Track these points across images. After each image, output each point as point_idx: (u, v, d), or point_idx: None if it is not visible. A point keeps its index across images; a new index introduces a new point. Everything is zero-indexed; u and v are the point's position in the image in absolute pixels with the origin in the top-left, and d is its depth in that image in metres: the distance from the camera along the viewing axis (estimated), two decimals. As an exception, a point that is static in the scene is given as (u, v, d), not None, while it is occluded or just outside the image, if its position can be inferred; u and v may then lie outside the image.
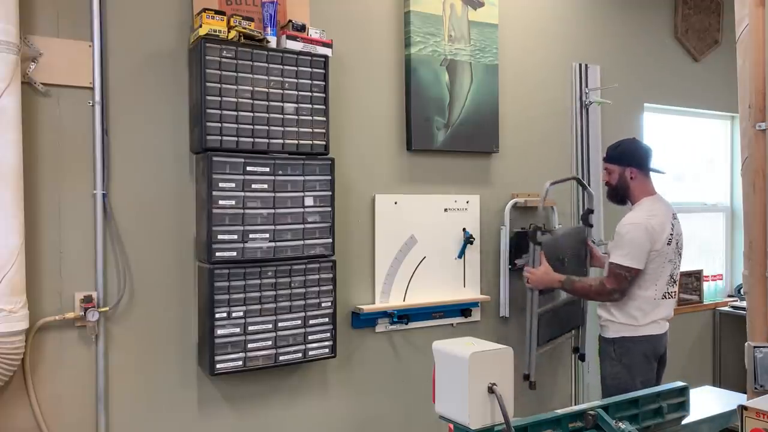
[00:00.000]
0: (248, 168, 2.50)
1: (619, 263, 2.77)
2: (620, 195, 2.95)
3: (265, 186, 2.54)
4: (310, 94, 2.64)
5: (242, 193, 2.49)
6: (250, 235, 2.51)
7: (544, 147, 3.58)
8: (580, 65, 3.71)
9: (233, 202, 2.47)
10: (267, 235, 2.55)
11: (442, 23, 3.14)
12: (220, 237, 2.45)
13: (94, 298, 2.40)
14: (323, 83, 2.67)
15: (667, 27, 4.18)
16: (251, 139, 2.52)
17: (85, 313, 2.36)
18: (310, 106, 2.64)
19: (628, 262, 2.76)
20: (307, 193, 2.64)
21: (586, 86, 3.71)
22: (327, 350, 2.72)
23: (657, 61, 4.10)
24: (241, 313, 2.51)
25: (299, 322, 2.64)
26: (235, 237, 2.48)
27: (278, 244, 2.57)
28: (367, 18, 3.02)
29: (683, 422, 1.94)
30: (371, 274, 3.02)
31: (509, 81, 3.42)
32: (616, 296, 2.81)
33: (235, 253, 2.48)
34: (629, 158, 2.91)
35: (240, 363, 2.51)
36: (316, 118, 2.65)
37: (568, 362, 3.71)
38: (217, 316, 2.46)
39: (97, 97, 2.40)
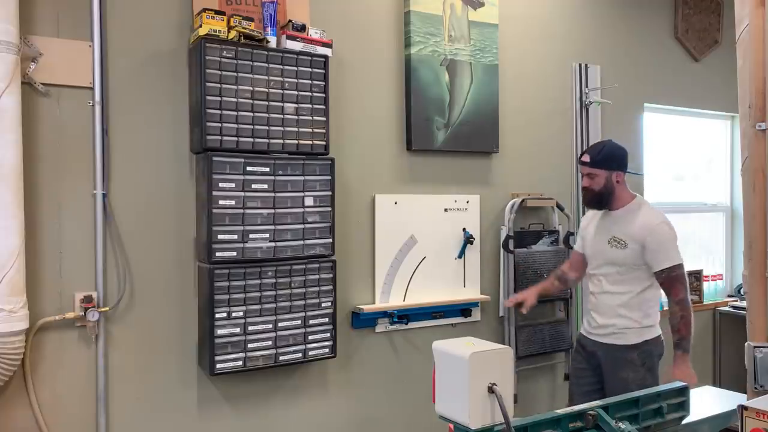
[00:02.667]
0: (248, 168, 2.50)
1: (674, 264, 2.68)
2: (604, 200, 2.80)
3: (265, 186, 2.54)
4: (310, 94, 2.64)
5: (242, 193, 2.49)
6: (250, 235, 2.51)
7: (544, 147, 3.58)
8: (580, 65, 3.71)
9: (233, 202, 2.47)
10: (267, 235, 2.55)
11: (442, 23, 3.14)
12: (220, 237, 2.45)
13: (94, 298, 2.40)
14: (323, 83, 2.67)
15: (667, 27, 4.18)
16: (251, 139, 2.52)
17: (85, 313, 2.36)
18: (310, 106, 2.64)
19: (679, 260, 2.70)
20: (307, 193, 2.64)
21: (586, 86, 3.71)
22: (327, 350, 2.72)
23: (657, 61, 4.10)
24: (241, 313, 2.51)
25: (299, 322, 2.64)
26: (235, 237, 2.48)
27: (278, 244, 2.57)
28: (367, 18, 3.02)
29: (683, 422, 1.93)
30: (371, 274, 3.02)
31: (509, 81, 3.42)
32: (690, 298, 2.72)
33: (235, 253, 2.48)
34: (617, 162, 2.78)
35: (240, 363, 2.51)
36: (316, 118, 2.65)
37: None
38: (217, 316, 2.46)
39: (97, 97, 2.40)
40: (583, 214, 3.65)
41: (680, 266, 2.70)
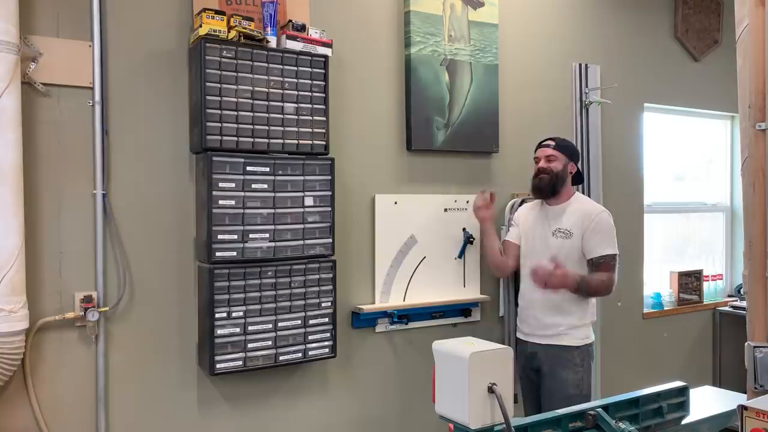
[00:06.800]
0: (248, 168, 2.50)
1: (610, 254, 2.78)
2: (555, 187, 2.86)
3: (265, 186, 2.54)
4: (310, 94, 2.64)
5: (242, 193, 2.49)
6: (250, 235, 2.51)
7: (544, 147, 3.57)
8: (580, 65, 3.71)
9: (233, 202, 2.47)
10: (267, 235, 2.55)
11: (442, 23, 3.14)
12: (220, 237, 2.45)
13: (94, 298, 2.40)
14: (323, 83, 2.67)
15: (667, 27, 4.18)
16: (251, 139, 2.52)
17: (85, 313, 2.36)
18: (310, 106, 2.64)
19: (616, 251, 2.81)
20: (307, 193, 2.64)
21: (586, 86, 3.71)
22: (327, 350, 2.72)
23: (657, 61, 4.10)
24: (241, 313, 2.51)
25: (299, 322, 2.64)
26: (235, 237, 2.48)
27: (278, 244, 2.57)
28: (367, 18, 3.02)
29: (683, 422, 1.94)
30: (371, 274, 3.02)
31: (509, 81, 3.42)
32: (612, 288, 2.83)
33: (235, 253, 2.48)
34: (575, 156, 2.97)
35: (240, 363, 2.51)
36: (316, 118, 2.65)
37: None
38: (217, 316, 2.46)
39: (97, 97, 2.40)
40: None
41: (616, 257, 2.81)
